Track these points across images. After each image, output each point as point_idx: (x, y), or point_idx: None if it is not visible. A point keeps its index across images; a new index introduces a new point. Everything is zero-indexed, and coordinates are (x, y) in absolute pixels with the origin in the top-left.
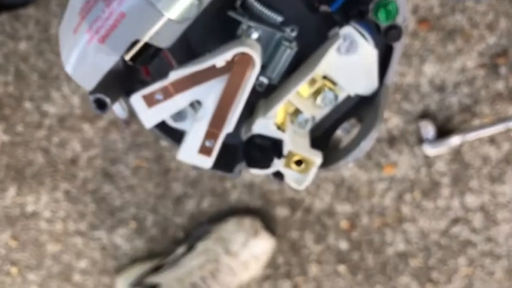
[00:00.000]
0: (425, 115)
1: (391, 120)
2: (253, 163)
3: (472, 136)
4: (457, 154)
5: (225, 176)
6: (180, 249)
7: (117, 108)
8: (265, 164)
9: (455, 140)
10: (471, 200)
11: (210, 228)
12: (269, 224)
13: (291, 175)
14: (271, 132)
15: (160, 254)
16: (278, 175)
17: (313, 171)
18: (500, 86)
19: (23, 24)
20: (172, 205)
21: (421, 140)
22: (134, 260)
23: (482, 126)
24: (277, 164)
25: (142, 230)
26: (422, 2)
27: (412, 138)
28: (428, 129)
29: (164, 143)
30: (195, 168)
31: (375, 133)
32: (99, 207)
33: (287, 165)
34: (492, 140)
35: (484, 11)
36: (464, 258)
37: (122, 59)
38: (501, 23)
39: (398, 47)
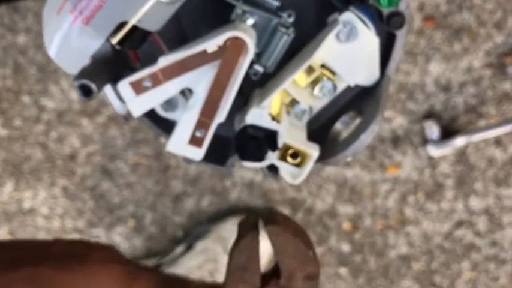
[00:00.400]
0: (430, 115)
1: (395, 120)
2: (245, 155)
3: (477, 137)
4: (462, 155)
5: (217, 170)
6: (179, 249)
7: (116, 103)
8: (259, 156)
9: (460, 141)
10: (476, 202)
11: (209, 227)
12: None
13: (286, 169)
14: (266, 122)
15: (159, 253)
16: (273, 169)
17: (309, 164)
18: (507, 86)
19: (22, 17)
20: (171, 203)
21: (425, 141)
22: (132, 259)
23: (488, 127)
24: (272, 157)
25: (140, 228)
26: None
27: (417, 139)
28: (433, 130)
29: (164, 139)
30: (186, 160)
31: (375, 126)
32: (97, 205)
33: (282, 158)
34: (498, 141)
35: (492, 9)
36: (468, 263)
37: (110, 42)
38: (509, 21)
39: (401, 35)
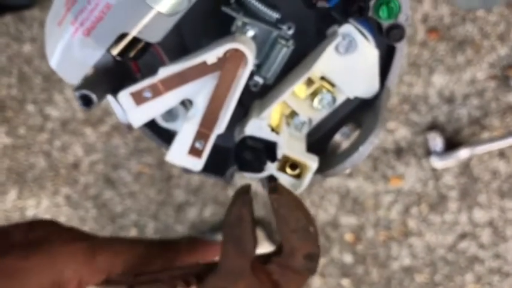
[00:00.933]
0: (433, 127)
1: (399, 132)
2: (244, 166)
3: (481, 149)
4: (465, 167)
5: (217, 180)
6: None
7: (120, 113)
8: (258, 167)
9: (464, 153)
10: (479, 215)
11: (211, 237)
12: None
13: (286, 179)
14: (265, 134)
15: None
16: (273, 179)
17: (308, 176)
18: (511, 98)
19: (28, 26)
20: (173, 212)
21: (429, 152)
22: None
23: (491, 140)
24: (271, 168)
25: (143, 237)
26: (433, 11)
27: (420, 150)
28: (437, 142)
29: (165, 150)
30: (186, 171)
31: (374, 138)
32: (100, 213)
33: (281, 169)
34: (502, 153)
35: (496, 21)
36: (472, 275)
37: (111, 53)
38: None
39: (401, 48)
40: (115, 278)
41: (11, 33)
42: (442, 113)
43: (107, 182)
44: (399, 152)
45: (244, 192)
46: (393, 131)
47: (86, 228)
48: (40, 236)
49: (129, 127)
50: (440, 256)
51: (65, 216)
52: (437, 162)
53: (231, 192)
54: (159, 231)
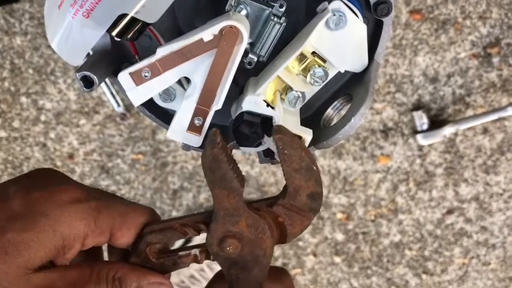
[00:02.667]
0: (419, 106)
1: (385, 112)
2: (242, 140)
3: (465, 126)
4: (451, 145)
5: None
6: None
7: (113, 102)
8: (255, 141)
9: (449, 131)
10: (465, 190)
11: None
12: None
13: None
14: (261, 109)
15: None
16: (269, 153)
17: None
18: (493, 76)
19: (18, 20)
20: (169, 199)
21: (415, 131)
22: None
23: (475, 117)
24: (268, 142)
25: None
26: None
27: (407, 129)
28: (423, 120)
29: (160, 136)
30: (185, 147)
31: (365, 109)
32: None
33: None
34: (486, 130)
35: (477, 1)
36: (460, 249)
37: (111, 36)
38: (493, 12)
39: (388, 22)
40: None
41: (1, 27)
42: (427, 92)
43: (102, 171)
44: (386, 131)
45: (212, 135)
46: (380, 111)
47: None
48: (40, 197)
49: (124, 116)
50: (429, 231)
51: None
52: (423, 140)
53: None
54: None
